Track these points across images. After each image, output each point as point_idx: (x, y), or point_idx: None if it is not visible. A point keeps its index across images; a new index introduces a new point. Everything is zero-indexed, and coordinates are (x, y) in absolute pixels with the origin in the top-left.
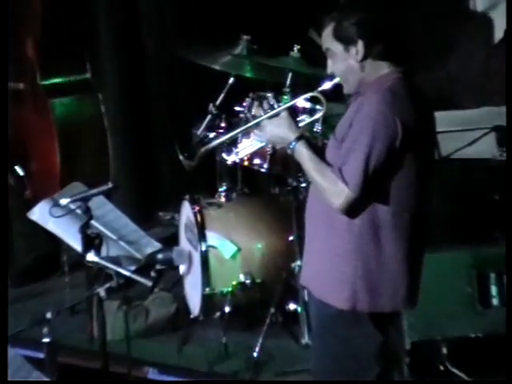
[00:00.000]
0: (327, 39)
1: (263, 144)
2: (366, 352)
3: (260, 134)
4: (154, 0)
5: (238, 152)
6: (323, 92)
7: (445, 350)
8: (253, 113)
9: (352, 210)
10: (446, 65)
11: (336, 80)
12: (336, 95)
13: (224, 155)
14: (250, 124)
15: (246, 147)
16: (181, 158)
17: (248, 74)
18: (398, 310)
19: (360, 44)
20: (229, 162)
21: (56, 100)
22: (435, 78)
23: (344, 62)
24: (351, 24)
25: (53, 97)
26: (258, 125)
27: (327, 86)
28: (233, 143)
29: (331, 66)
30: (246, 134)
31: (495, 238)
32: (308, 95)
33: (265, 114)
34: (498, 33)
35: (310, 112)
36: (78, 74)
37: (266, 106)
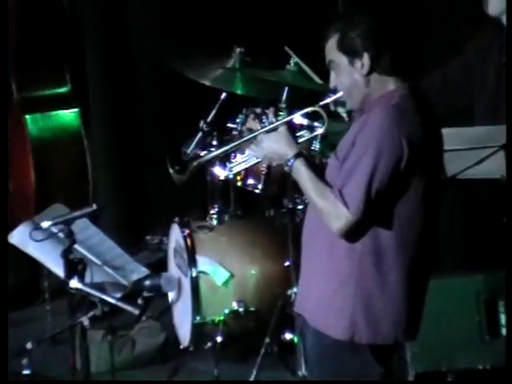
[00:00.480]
0: (331, 51)
1: (258, 160)
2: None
3: (256, 149)
4: (142, 11)
5: (231, 168)
6: (324, 107)
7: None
8: (248, 126)
9: (352, 234)
10: (445, 69)
11: (339, 95)
12: (336, 112)
13: (217, 170)
14: (245, 138)
15: (241, 163)
16: (171, 171)
17: (240, 91)
18: (399, 342)
19: (366, 57)
20: (221, 178)
21: (31, 116)
22: (429, 82)
23: (348, 76)
24: (357, 35)
25: (30, 111)
26: (254, 139)
27: (329, 100)
28: (226, 159)
29: (334, 79)
30: (241, 149)
31: (503, 264)
32: (309, 110)
33: (262, 128)
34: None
35: (308, 129)
36: (57, 86)
37: (263, 119)
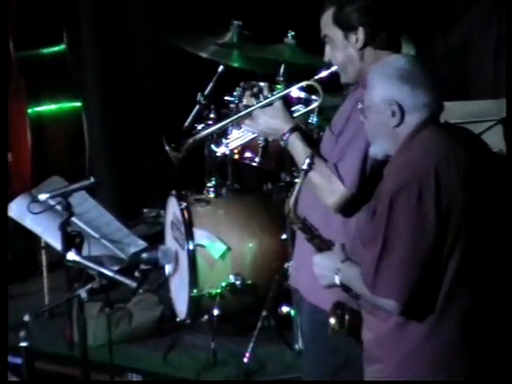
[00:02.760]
0: (326, 24)
1: (255, 135)
2: (360, 360)
3: (252, 124)
4: None
5: (227, 143)
6: (320, 81)
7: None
8: (244, 102)
9: (347, 208)
10: (445, 39)
11: (333, 68)
12: (332, 86)
13: (213, 147)
14: (241, 113)
15: (237, 138)
16: (167, 148)
17: (238, 64)
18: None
19: (361, 31)
20: (218, 154)
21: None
22: (429, 52)
23: (343, 51)
24: (353, 10)
25: (26, 74)
26: (250, 114)
27: (324, 74)
28: (223, 134)
29: (329, 53)
30: (237, 124)
31: None
32: (303, 84)
33: (258, 103)
34: None
35: (305, 103)
36: (53, 45)
37: (258, 94)
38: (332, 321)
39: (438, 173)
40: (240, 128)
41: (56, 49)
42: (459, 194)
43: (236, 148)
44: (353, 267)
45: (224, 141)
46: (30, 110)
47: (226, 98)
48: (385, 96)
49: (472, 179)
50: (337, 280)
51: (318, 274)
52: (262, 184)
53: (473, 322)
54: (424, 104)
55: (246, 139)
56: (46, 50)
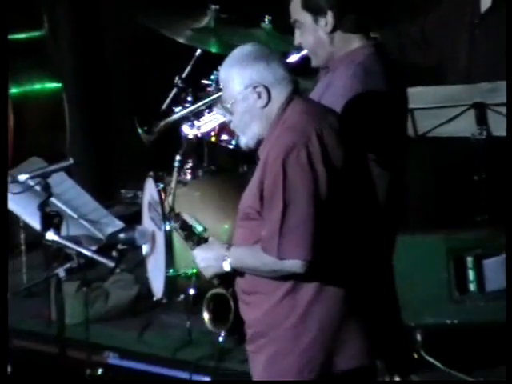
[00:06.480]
0: (295, 9)
1: (225, 119)
2: None
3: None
4: None
5: (199, 126)
6: (290, 65)
7: (419, 338)
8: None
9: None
10: (422, 21)
11: (303, 52)
12: (303, 70)
13: (186, 129)
14: (211, 97)
15: (209, 121)
16: (139, 131)
17: (215, 49)
18: None
19: (330, 15)
20: (190, 137)
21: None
22: (405, 32)
23: (313, 34)
24: None
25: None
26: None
27: (294, 58)
28: (196, 117)
29: (299, 37)
30: (210, 107)
31: (473, 221)
32: None
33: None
34: (486, 1)
35: None
36: (32, 30)
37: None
38: (205, 316)
39: (319, 135)
40: (212, 111)
41: (35, 33)
42: (337, 154)
43: (212, 130)
44: (241, 247)
45: (196, 123)
46: (12, 91)
47: (203, 81)
48: (246, 82)
49: (342, 141)
50: (226, 266)
51: (204, 267)
52: (238, 166)
53: (355, 282)
54: (284, 76)
55: (218, 122)
56: (24, 35)
